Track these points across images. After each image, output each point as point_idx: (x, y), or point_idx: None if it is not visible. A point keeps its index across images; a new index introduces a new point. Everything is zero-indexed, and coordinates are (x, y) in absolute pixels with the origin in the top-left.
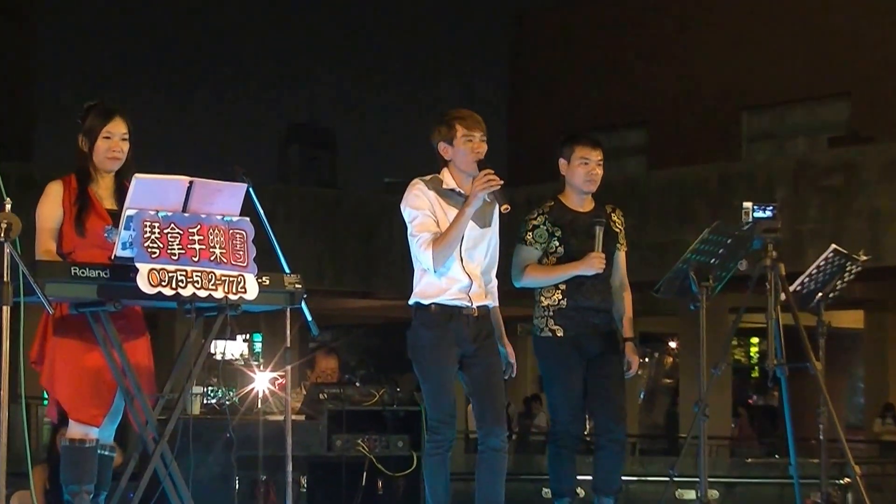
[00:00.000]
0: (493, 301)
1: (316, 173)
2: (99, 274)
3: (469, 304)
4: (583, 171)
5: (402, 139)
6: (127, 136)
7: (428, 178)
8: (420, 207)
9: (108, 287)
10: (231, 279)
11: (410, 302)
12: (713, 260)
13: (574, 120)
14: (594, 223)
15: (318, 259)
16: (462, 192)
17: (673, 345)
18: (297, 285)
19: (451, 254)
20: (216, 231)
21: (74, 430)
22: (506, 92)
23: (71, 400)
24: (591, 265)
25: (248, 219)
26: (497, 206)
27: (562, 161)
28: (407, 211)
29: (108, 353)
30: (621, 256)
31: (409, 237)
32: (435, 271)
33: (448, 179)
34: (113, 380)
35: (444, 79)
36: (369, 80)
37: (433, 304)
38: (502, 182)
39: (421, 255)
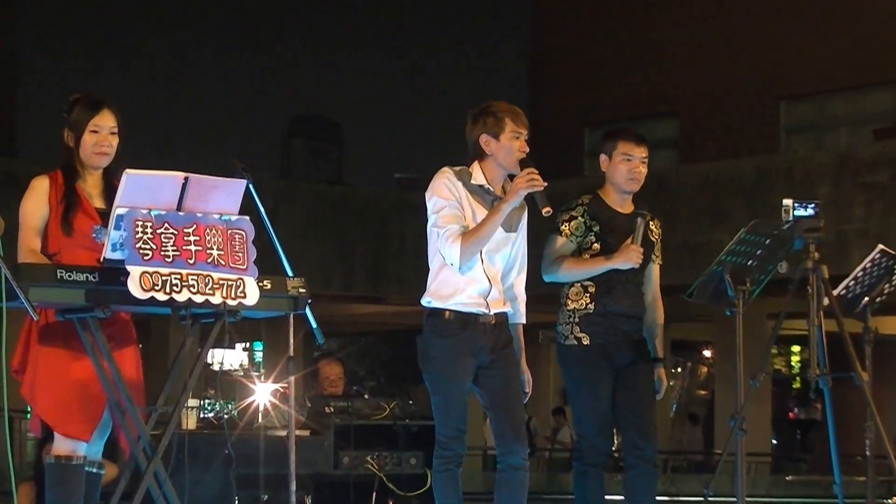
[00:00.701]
0: (515, 314)
1: (321, 168)
2: (87, 277)
3: (486, 311)
4: (625, 169)
5: (415, 132)
6: (116, 130)
7: (457, 168)
8: (448, 198)
9: (97, 292)
10: (230, 283)
11: (423, 301)
12: (750, 262)
13: (598, 111)
14: (636, 214)
15: (323, 261)
16: (492, 189)
17: (707, 353)
18: (300, 290)
19: (480, 251)
20: (213, 231)
21: (61, 445)
22: (526, 81)
23: (56, 413)
24: (628, 258)
25: (247, 218)
26: (525, 212)
27: (602, 157)
28: (433, 200)
29: (98, 363)
30: (655, 270)
31: (432, 228)
32: (460, 268)
33: (478, 174)
34: (101, 392)
35: (460, 68)
36: (379, 69)
37: (447, 310)
38: (545, 184)
39: (446, 248)
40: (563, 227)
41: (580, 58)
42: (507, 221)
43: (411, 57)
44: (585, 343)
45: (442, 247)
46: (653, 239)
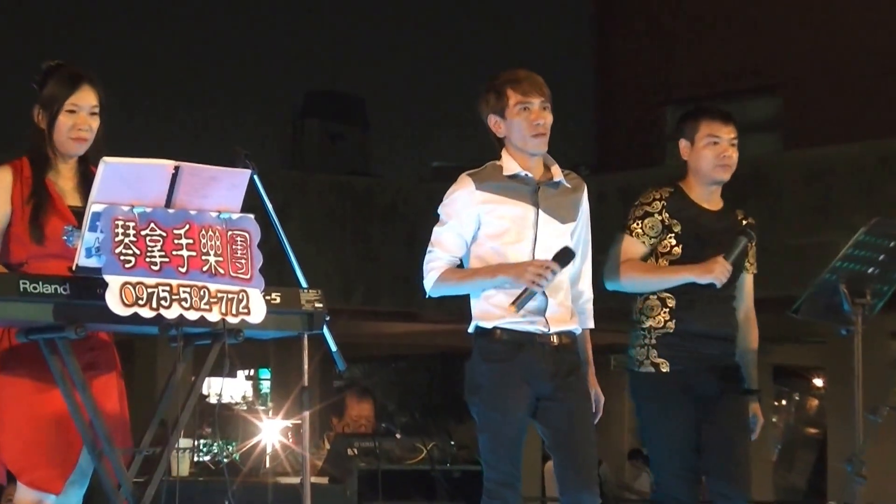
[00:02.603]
0: (581, 324)
1: (341, 155)
2: (56, 290)
3: (545, 330)
4: (712, 154)
5: (456, 111)
6: (97, 110)
7: (480, 169)
8: (449, 216)
9: (68, 307)
10: (230, 296)
11: (470, 329)
12: (871, 269)
13: (682, 86)
14: (741, 232)
15: (344, 269)
16: (530, 176)
17: (818, 382)
18: (317, 304)
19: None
20: (211, 232)
21: (24, 496)
22: (592, 53)
23: (20, 457)
24: (711, 272)
25: (252, 216)
26: (584, 193)
27: (683, 142)
28: (439, 210)
29: (69, 395)
30: (749, 281)
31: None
32: (427, 296)
33: (509, 163)
34: (78, 431)
35: (511, 35)
36: (412, 34)
37: (497, 328)
38: (542, 288)
39: (425, 273)
40: (634, 224)
41: (658, 21)
42: (559, 210)
43: (451, 19)
44: (664, 370)
45: (424, 267)
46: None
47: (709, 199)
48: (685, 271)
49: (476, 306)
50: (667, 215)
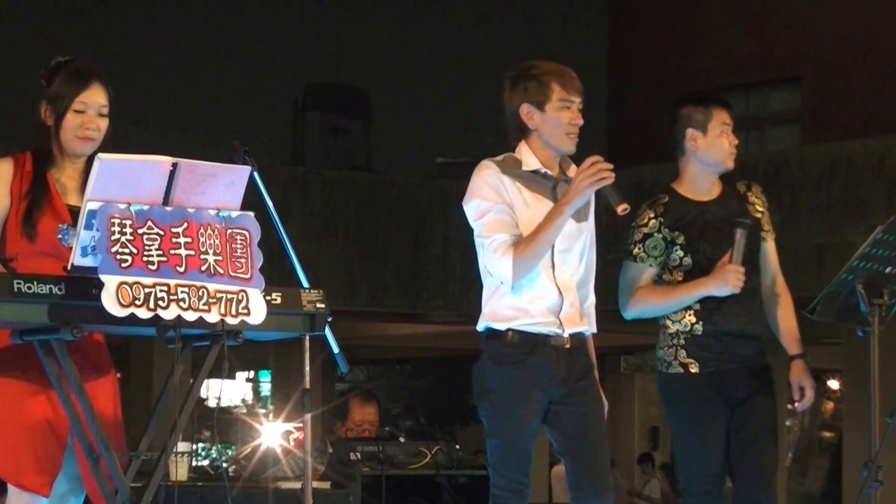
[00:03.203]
0: (590, 326)
1: (344, 151)
2: (51, 290)
3: (559, 332)
4: (727, 143)
5: (463, 104)
6: (106, 110)
7: (500, 158)
8: (492, 199)
9: (64, 307)
10: (229, 297)
11: (479, 327)
12: (889, 269)
13: (696, 78)
14: (736, 223)
15: (347, 269)
16: (550, 173)
17: (834, 385)
18: (318, 305)
19: (537, 265)
20: (209, 231)
21: (16, 499)
22: (605, 39)
23: (9, 461)
24: (725, 281)
25: (252, 214)
26: (595, 200)
27: (690, 132)
28: (472, 203)
29: (66, 398)
30: (770, 247)
31: (477, 239)
32: (513, 287)
33: (529, 158)
34: (64, 435)
35: (520, 26)
36: (417, 23)
37: (510, 329)
38: (614, 176)
39: (495, 264)
40: (637, 249)
41: (671, 13)
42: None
43: (460, 10)
44: (694, 371)
45: (489, 262)
46: (757, 213)
47: (708, 190)
48: (699, 287)
49: (487, 307)
50: (666, 231)
